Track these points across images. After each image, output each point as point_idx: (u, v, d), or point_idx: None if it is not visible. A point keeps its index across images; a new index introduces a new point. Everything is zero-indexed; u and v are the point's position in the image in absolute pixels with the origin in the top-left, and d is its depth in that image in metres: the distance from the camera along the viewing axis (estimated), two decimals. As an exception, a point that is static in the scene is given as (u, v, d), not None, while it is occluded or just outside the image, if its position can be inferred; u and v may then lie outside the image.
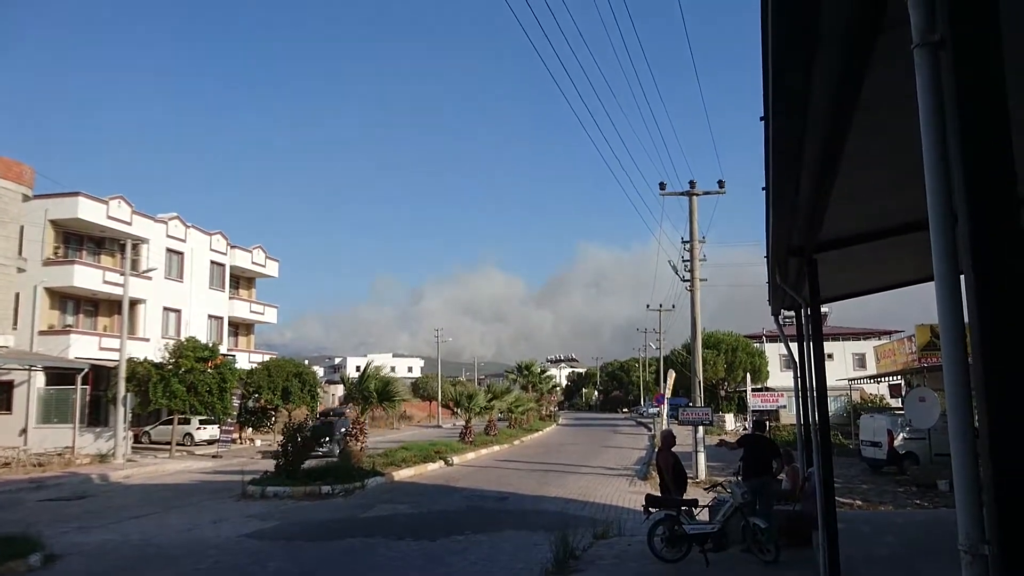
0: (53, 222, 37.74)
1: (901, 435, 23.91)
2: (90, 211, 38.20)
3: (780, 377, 59.74)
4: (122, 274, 34.13)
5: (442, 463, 28.46)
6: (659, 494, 12.88)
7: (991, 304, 2.26)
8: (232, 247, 51.21)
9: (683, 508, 11.56)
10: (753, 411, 36.46)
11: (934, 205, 2.56)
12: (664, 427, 22.43)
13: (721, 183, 26.04)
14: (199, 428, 38.49)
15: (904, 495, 19.91)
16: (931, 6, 2.52)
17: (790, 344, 13.32)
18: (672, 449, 13.10)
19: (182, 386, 34.44)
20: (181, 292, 45.41)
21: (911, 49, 2.61)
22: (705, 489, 19.22)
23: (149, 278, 40.19)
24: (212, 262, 48.94)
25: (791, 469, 13.71)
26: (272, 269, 56.53)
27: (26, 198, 32.90)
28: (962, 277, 2.46)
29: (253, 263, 53.85)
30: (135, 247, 36.66)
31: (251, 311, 53.90)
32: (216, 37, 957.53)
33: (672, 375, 34.02)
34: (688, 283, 26.62)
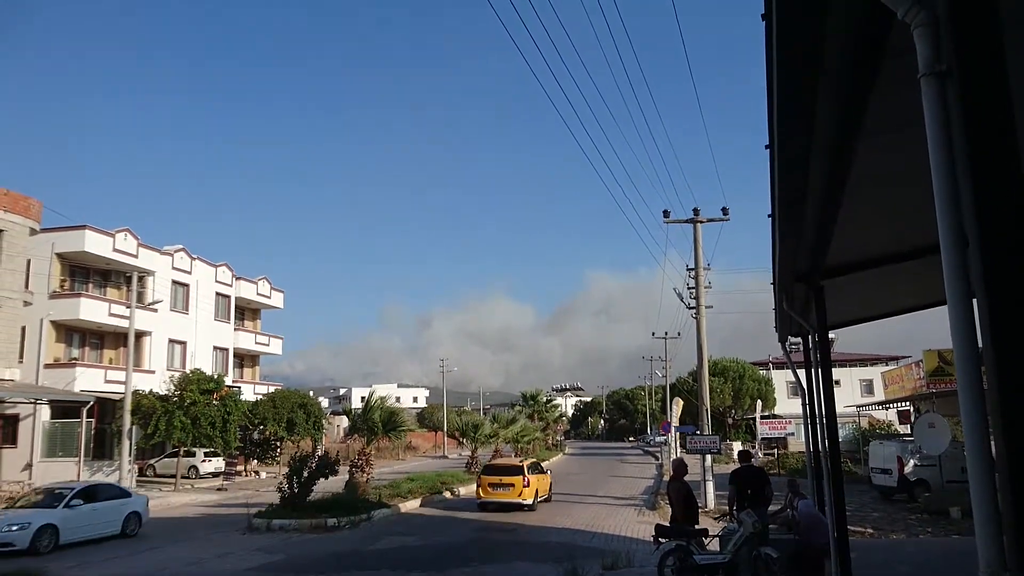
0: (60, 255, 37.89)
1: (912, 462, 23.68)
2: (96, 244, 38.38)
3: (787, 404, 59.30)
4: (128, 307, 34.13)
5: (448, 494, 28.25)
6: (668, 524, 12.76)
7: (1005, 327, 2.27)
8: (237, 278, 51.33)
9: (693, 538, 11.44)
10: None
11: (945, 229, 2.57)
12: (675, 456, 22.29)
13: (725, 210, 26.12)
14: (204, 461, 38.28)
15: (916, 523, 19.68)
16: (936, 37, 2.56)
17: (797, 371, 13.27)
18: (684, 478, 13.00)
19: (187, 419, 34.24)
20: (186, 324, 45.46)
21: (918, 78, 2.65)
22: (715, 519, 19.05)
23: (155, 310, 40.23)
24: (217, 294, 49.04)
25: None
26: (277, 300, 56.57)
27: (33, 232, 33.13)
28: (974, 301, 2.47)
29: (258, 294, 53.91)
30: (141, 279, 36.66)
31: (256, 342, 53.87)
32: (220, 63, 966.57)
33: (679, 403, 33.81)
34: (693, 310, 26.57)
